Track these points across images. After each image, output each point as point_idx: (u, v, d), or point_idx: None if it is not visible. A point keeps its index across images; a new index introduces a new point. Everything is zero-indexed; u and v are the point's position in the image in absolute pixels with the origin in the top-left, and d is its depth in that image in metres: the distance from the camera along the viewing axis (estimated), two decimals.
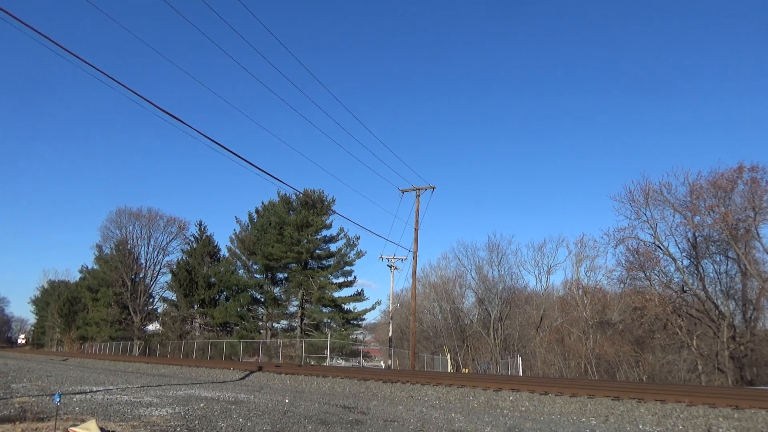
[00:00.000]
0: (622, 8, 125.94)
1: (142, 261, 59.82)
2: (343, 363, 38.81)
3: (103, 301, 57.40)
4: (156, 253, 60.44)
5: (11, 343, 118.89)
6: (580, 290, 43.28)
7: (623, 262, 37.21)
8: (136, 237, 59.37)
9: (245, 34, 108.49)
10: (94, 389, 12.72)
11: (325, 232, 44.68)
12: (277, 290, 46.00)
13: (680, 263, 33.99)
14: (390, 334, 43.04)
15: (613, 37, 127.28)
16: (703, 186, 32.42)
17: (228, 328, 47.62)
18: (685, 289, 33.57)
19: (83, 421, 6.94)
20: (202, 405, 9.73)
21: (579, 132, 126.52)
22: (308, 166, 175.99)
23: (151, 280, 60.14)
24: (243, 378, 19.01)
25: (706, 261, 33.58)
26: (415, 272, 29.78)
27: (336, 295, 42.07)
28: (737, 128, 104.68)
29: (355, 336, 42.97)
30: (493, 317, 47.15)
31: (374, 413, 9.64)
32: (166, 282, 57.54)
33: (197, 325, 52.62)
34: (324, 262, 44.56)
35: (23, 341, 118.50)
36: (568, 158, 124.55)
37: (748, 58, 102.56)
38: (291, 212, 45.15)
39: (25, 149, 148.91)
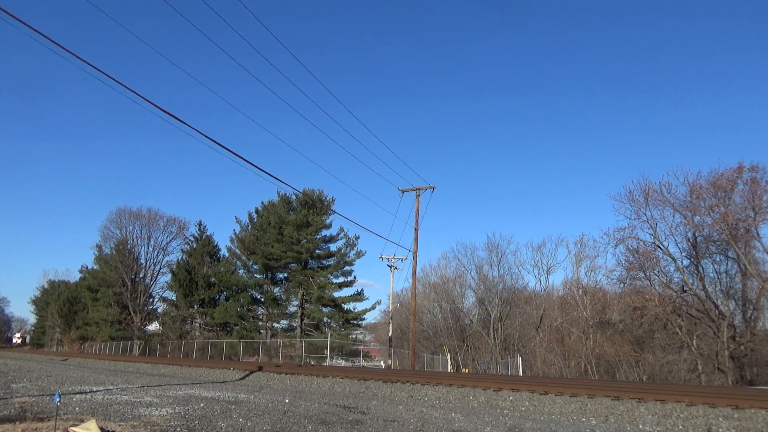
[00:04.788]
0: (622, 8, 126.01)
1: (142, 261, 59.90)
2: (343, 363, 38.82)
3: (103, 301, 57.40)
4: (156, 253, 60.52)
5: (10, 342, 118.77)
6: (580, 290, 43.29)
7: (623, 262, 37.24)
8: (136, 237, 59.46)
9: (245, 34, 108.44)
10: (94, 389, 12.72)
11: (324, 232, 44.73)
12: (277, 290, 46.00)
13: (680, 263, 34.02)
14: (390, 334, 43.04)
15: (613, 37, 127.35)
16: (703, 186, 32.43)
17: (228, 328, 47.62)
18: (685, 289, 33.57)
19: (83, 421, 6.93)
20: (202, 405, 9.73)
21: (579, 132, 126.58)
22: (308, 166, 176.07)
23: (151, 280, 60.21)
24: (243, 378, 19.01)
25: (706, 261, 33.61)
26: (415, 272, 29.81)
27: (336, 294, 42.08)
28: (737, 128, 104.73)
29: (355, 336, 42.98)
30: (493, 317, 47.16)
31: (374, 413, 9.64)
32: (166, 282, 57.64)
33: (197, 325, 52.63)
34: (324, 261, 44.57)
35: (19, 340, 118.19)
36: (568, 158, 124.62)
37: (748, 58, 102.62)
38: (291, 212, 45.15)
39: (25, 149, 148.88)
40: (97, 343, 58.21)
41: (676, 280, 34.32)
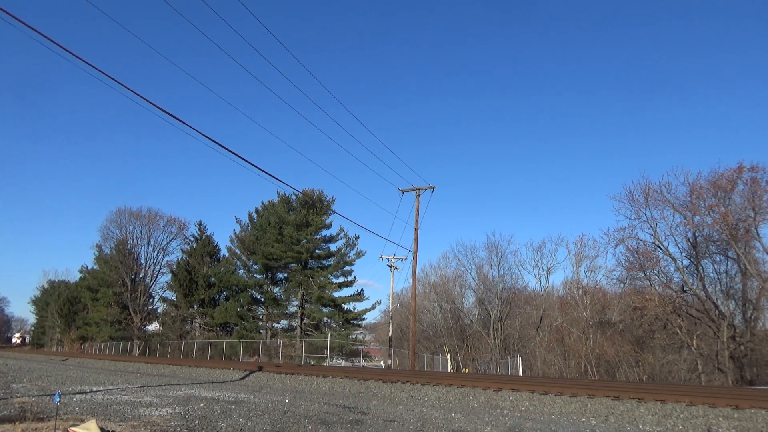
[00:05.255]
0: (622, 8, 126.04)
1: (142, 261, 59.92)
2: (343, 363, 38.82)
3: (103, 301, 57.40)
4: (156, 253, 60.53)
5: (10, 342, 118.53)
6: (580, 290, 43.28)
7: (623, 262, 37.22)
8: (136, 237, 59.46)
9: (245, 34, 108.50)
10: (94, 389, 12.72)
11: (324, 232, 44.77)
12: (276, 290, 46.01)
13: (680, 263, 34.00)
14: (390, 334, 43.03)
15: (613, 37, 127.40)
16: (703, 186, 32.42)
17: (228, 328, 47.62)
18: (685, 289, 33.56)
19: (83, 421, 6.93)
20: (202, 405, 9.73)
21: (579, 132, 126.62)
22: (308, 166, 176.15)
23: (151, 280, 60.22)
24: (243, 378, 19.01)
25: (706, 261, 33.59)
26: (415, 272, 29.80)
27: (336, 294, 42.10)
28: (737, 128, 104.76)
29: (355, 336, 42.99)
30: (493, 317, 47.15)
31: (374, 413, 9.64)
32: (166, 282, 57.68)
33: (197, 325, 52.63)
34: (324, 261, 44.57)
35: (18, 340, 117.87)
36: (568, 158, 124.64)
37: (748, 58, 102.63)
38: (291, 212, 45.17)
39: (25, 149, 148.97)
40: (97, 343, 58.21)
41: (676, 280, 34.34)
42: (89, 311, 62.61)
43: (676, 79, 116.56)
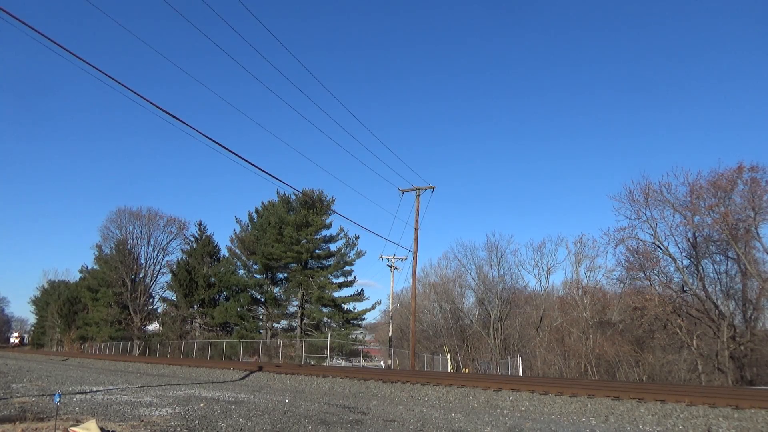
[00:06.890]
0: (621, 8, 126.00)
1: (142, 261, 59.92)
2: (343, 363, 38.82)
3: (103, 301, 57.40)
4: (156, 253, 60.54)
5: (9, 342, 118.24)
6: (580, 290, 43.30)
7: (623, 262, 37.25)
8: (136, 237, 59.47)
9: (245, 34, 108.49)
10: (94, 389, 12.72)
11: (324, 232, 44.73)
12: (277, 290, 45.99)
13: (680, 263, 34.00)
14: (390, 334, 43.03)
15: (613, 37, 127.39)
16: (703, 186, 32.44)
17: (228, 328, 47.62)
18: (685, 289, 33.56)
19: (83, 421, 6.93)
20: (202, 405, 9.73)
21: (579, 132, 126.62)
22: (308, 166, 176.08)
23: (151, 280, 60.21)
24: (243, 378, 19.01)
25: (706, 261, 33.59)
26: (415, 272, 29.80)
27: (336, 294, 42.08)
28: (737, 128, 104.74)
29: (355, 336, 42.98)
30: (493, 317, 47.16)
31: (374, 413, 9.64)
32: (166, 282, 57.67)
33: (197, 325, 52.62)
34: (324, 261, 44.56)
35: (17, 340, 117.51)
36: (568, 158, 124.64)
37: (748, 58, 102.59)
38: (291, 212, 45.15)
39: (25, 149, 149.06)
40: (97, 343, 58.20)
41: (676, 280, 34.35)
42: (89, 311, 62.61)
43: (676, 79, 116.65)
